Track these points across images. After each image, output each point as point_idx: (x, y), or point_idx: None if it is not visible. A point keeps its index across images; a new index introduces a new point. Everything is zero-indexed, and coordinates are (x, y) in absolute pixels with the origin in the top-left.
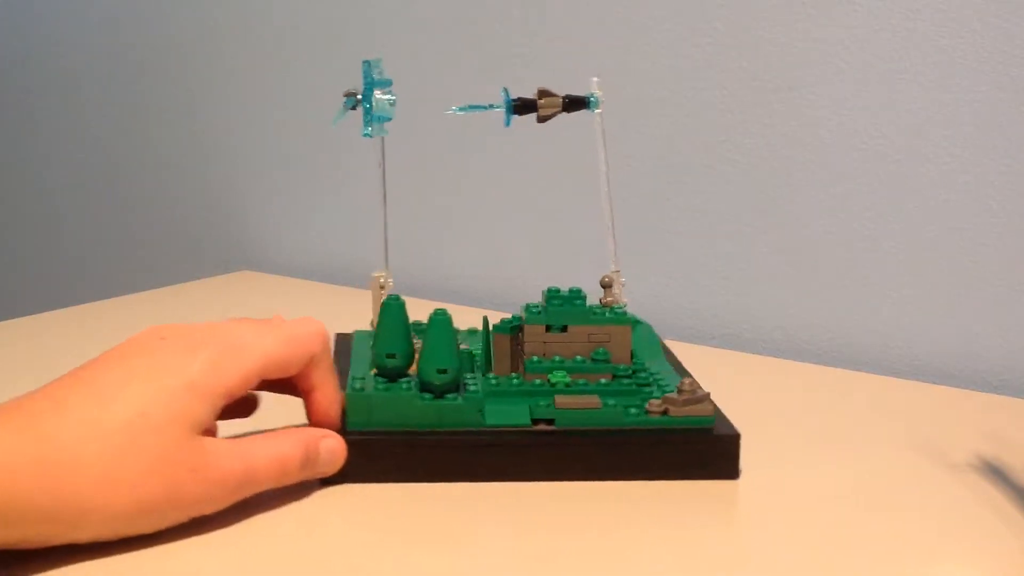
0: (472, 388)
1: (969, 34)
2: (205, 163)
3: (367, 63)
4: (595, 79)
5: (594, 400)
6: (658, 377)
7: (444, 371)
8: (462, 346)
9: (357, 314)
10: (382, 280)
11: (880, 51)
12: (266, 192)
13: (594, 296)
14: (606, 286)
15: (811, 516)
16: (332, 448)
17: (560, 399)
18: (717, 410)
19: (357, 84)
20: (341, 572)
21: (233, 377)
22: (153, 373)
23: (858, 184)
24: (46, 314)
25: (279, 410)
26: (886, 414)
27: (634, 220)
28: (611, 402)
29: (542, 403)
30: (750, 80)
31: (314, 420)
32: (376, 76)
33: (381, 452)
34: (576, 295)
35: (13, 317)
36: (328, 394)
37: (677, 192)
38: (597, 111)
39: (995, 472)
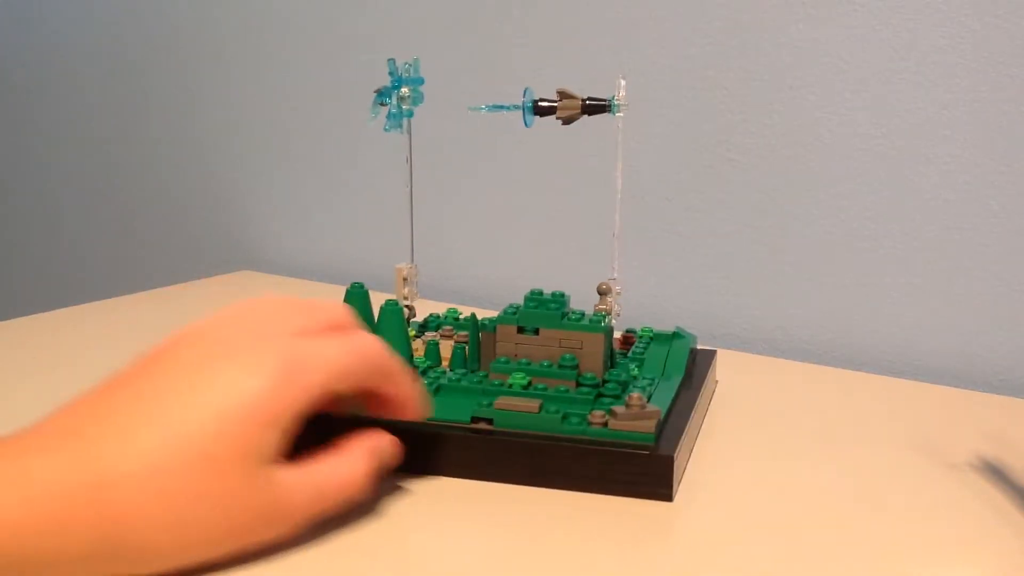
0: (425, 381)
1: (969, 34)
2: (205, 163)
3: (391, 61)
4: (622, 81)
5: (533, 404)
6: (635, 391)
7: None
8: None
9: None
10: (405, 272)
11: (880, 51)
12: (266, 192)
13: (587, 302)
14: (601, 293)
15: (811, 516)
16: (388, 448)
17: (500, 400)
18: (669, 430)
19: (360, 84)
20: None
21: (299, 398)
22: (210, 396)
23: (858, 184)
24: (46, 314)
25: None
26: (886, 414)
27: (634, 220)
28: (552, 408)
29: (485, 403)
30: (750, 80)
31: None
32: (404, 74)
33: (327, 432)
34: (556, 299)
35: (13, 317)
36: (408, 393)
37: (677, 192)
38: (619, 115)
39: (995, 472)
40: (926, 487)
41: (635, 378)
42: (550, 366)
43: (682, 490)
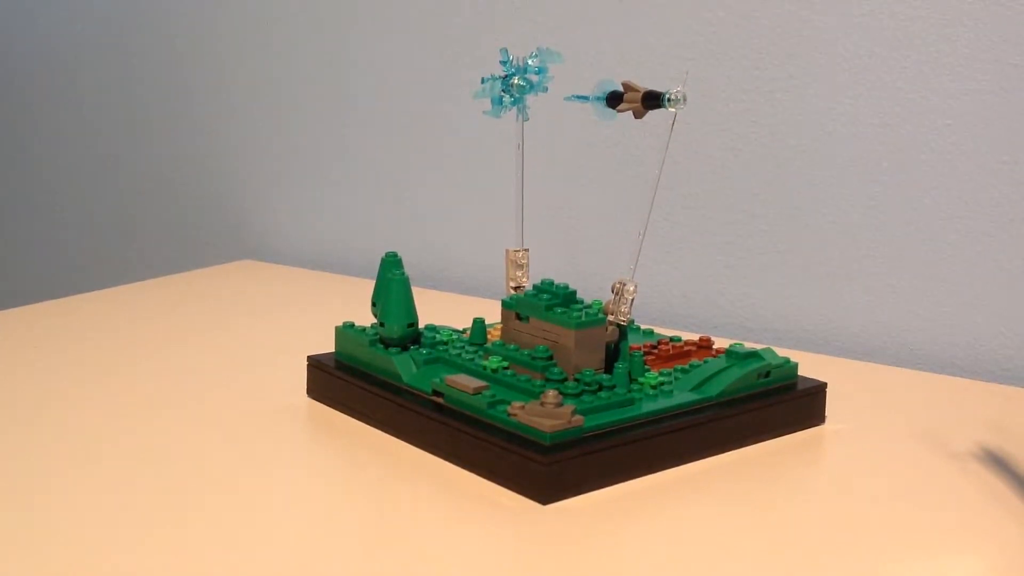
0: (419, 349)
1: (972, 23)
2: (206, 153)
3: (504, 50)
4: (686, 72)
5: (469, 384)
6: (551, 389)
7: (382, 324)
8: None
9: (356, 303)
10: (513, 256)
11: (883, 41)
12: (267, 182)
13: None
14: (613, 292)
15: (812, 507)
16: None
17: (450, 377)
18: (587, 438)
19: (359, 75)
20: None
21: None
22: None
23: (860, 174)
24: (48, 303)
25: None
26: (888, 403)
27: (636, 209)
28: (491, 393)
29: (439, 379)
30: (752, 69)
31: None
32: (515, 65)
33: (335, 382)
34: (557, 291)
35: (15, 306)
36: None
37: (679, 182)
38: (671, 109)
39: (997, 461)
40: (929, 476)
41: (638, 381)
42: (527, 355)
43: (581, 498)
